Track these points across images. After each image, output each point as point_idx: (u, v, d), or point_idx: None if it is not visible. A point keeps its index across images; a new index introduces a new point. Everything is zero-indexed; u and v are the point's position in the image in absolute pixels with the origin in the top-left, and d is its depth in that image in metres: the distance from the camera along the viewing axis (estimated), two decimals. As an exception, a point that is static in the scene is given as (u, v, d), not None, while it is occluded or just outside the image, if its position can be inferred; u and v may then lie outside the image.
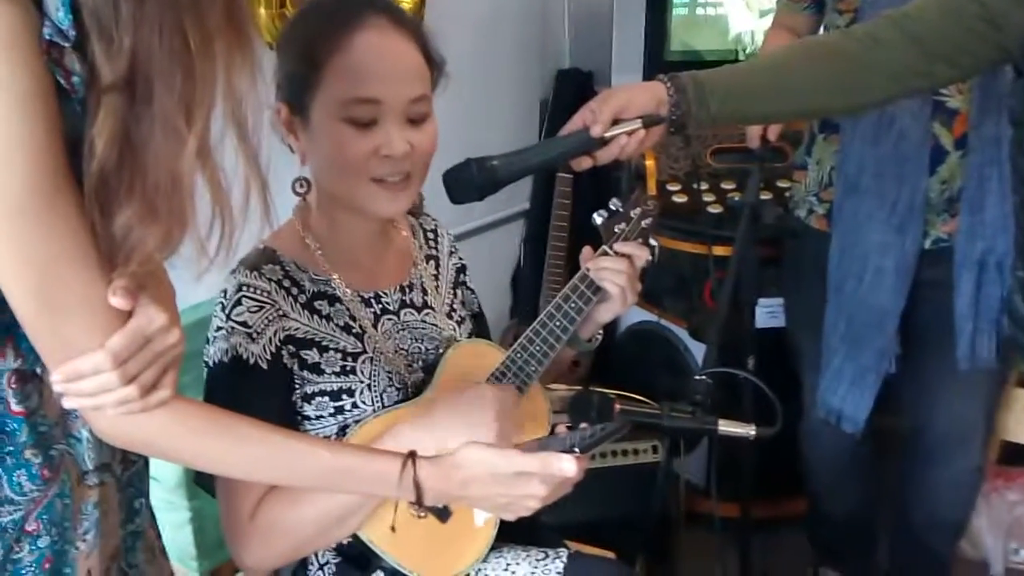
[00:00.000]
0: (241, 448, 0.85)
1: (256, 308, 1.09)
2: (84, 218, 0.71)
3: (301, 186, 1.16)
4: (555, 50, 2.73)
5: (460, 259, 1.36)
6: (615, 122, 1.18)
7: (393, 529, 1.01)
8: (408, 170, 1.11)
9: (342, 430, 1.13)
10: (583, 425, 1.05)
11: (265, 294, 1.10)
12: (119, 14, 0.67)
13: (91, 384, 0.74)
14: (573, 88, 2.66)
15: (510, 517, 1.01)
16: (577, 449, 0.96)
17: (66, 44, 0.68)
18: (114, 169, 0.70)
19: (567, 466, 0.94)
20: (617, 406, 1.17)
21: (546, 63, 2.72)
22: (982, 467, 1.86)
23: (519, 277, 2.77)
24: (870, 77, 1.26)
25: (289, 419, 1.10)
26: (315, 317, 1.14)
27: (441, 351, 1.22)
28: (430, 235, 1.33)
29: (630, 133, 1.17)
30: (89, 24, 0.68)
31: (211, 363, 1.09)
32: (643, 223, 1.26)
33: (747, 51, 2.37)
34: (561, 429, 1.10)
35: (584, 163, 1.20)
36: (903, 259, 1.67)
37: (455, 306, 1.31)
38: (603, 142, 1.17)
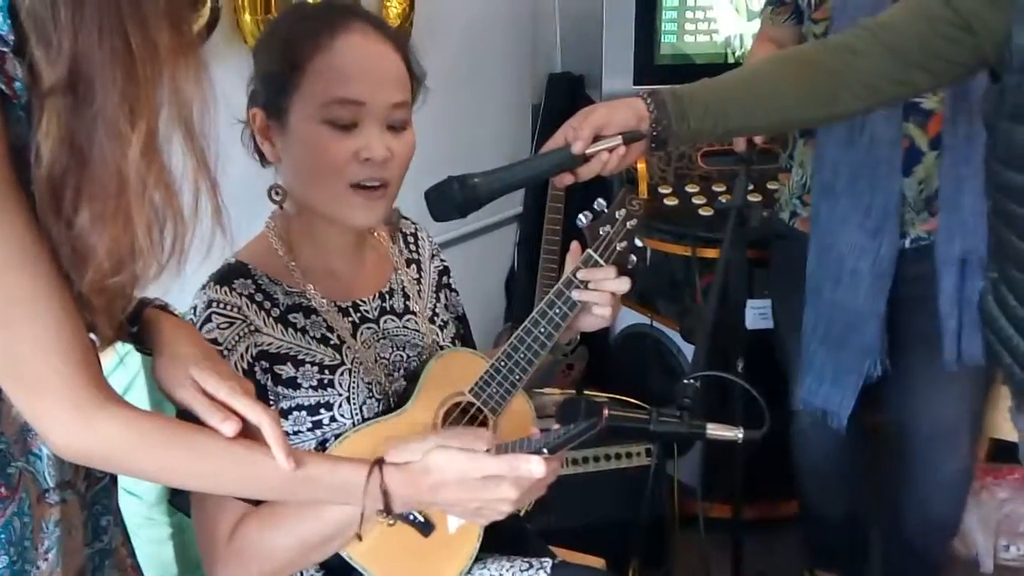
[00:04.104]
0: (202, 460, 0.84)
1: (226, 324, 1.08)
2: (32, 228, 0.71)
3: (277, 194, 1.15)
4: (546, 54, 2.73)
5: (442, 261, 1.35)
6: (596, 139, 1.18)
7: (359, 537, 1.00)
8: (386, 177, 1.11)
9: (321, 445, 1.12)
10: (555, 426, 1.05)
11: (236, 309, 1.09)
12: (58, 17, 0.67)
13: None
14: (565, 92, 2.67)
15: (482, 522, 1.00)
16: (546, 450, 0.96)
17: (5, 49, 0.68)
18: (61, 173, 0.70)
19: (535, 467, 0.94)
20: (605, 411, 1.17)
21: (537, 67, 2.72)
22: (970, 468, 1.85)
23: (513, 281, 2.78)
24: (847, 88, 1.26)
25: None
26: (289, 331, 1.13)
27: (424, 358, 1.22)
28: (410, 239, 1.33)
29: (611, 149, 1.18)
30: (28, 27, 0.68)
31: None
32: (628, 224, 1.25)
33: (737, 54, 2.36)
34: (534, 432, 1.10)
35: (566, 180, 1.20)
36: (878, 262, 1.67)
37: (438, 310, 1.30)
38: (584, 159, 1.18)
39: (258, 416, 0.86)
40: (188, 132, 0.75)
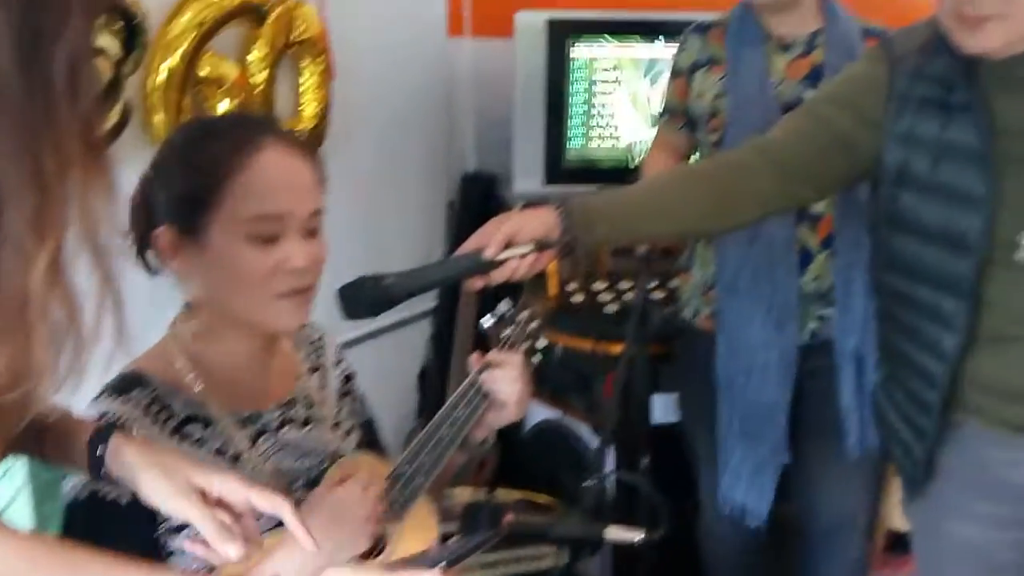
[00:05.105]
0: None
1: None
2: None
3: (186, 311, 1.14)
4: (460, 154, 2.81)
5: (347, 367, 1.36)
6: (508, 245, 1.23)
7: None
8: (309, 282, 1.13)
9: (213, 564, 1.09)
10: (454, 538, 1.05)
11: (130, 422, 1.07)
12: None
13: None
14: (478, 191, 2.73)
15: None
16: (445, 562, 0.96)
17: None
18: None
19: None
20: (508, 516, 1.18)
21: (452, 167, 2.79)
22: (865, 558, 1.91)
23: (425, 376, 2.78)
24: (740, 201, 1.37)
25: (152, 557, 1.04)
26: (185, 443, 1.11)
27: (325, 466, 1.21)
28: (315, 345, 1.33)
29: (522, 256, 1.24)
30: None
31: (68, 500, 1.04)
32: (530, 326, 1.29)
33: (638, 160, 2.47)
34: (432, 545, 1.10)
35: (477, 284, 1.25)
36: (785, 353, 1.75)
37: (342, 417, 1.30)
38: (496, 264, 1.23)
39: (275, 506, 0.91)
40: (95, 249, 0.73)
